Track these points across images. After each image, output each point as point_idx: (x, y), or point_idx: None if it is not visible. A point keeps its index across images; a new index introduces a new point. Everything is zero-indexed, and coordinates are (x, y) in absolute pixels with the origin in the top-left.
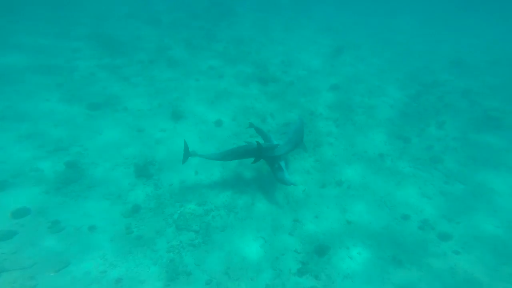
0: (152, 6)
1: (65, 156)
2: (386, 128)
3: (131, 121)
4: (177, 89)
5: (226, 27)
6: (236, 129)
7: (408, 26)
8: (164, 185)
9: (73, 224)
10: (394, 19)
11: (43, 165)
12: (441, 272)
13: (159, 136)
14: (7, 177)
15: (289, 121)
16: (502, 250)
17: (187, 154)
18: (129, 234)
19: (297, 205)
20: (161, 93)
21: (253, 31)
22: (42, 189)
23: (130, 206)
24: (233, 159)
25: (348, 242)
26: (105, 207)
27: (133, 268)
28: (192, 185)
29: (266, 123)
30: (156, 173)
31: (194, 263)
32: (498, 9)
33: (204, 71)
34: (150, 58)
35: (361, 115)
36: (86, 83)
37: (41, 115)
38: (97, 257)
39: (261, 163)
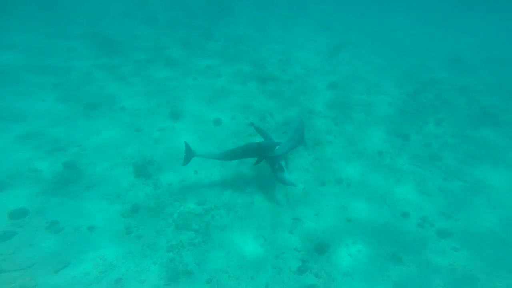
0: (149, 5)
1: (62, 156)
2: (384, 125)
3: (129, 120)
4: (175, 89)
5: (223, 26)
6: (235, 128)
7: (405, 24)
8: (163, 185)
9: (72, 225)
10: (392, 17)
11: (41, 166)
12: (440, 268)
13: (158, 136)
14: (4, 178)
15: (289, 120)
16: (500, 246)
17: (189, 155)
18: (128, 234)
19: (296, 203)
20: (159, 93)
21: (251, 30)
22: (40, 190)
23: (129, 206)
24: (234, 159)
25: (347, 239)
26: (104, 207)
27: (133, 268)
28: (192, 185)
29: (265, 122)
30: (155, 172)
31: (194, 262)
32: (493, 7)
33: (202, 70)
34: (147, 57)
35: (360, 113)
36: (83, 83)
37: (37, 115)
38: (97, 257)
39: (262, 162)
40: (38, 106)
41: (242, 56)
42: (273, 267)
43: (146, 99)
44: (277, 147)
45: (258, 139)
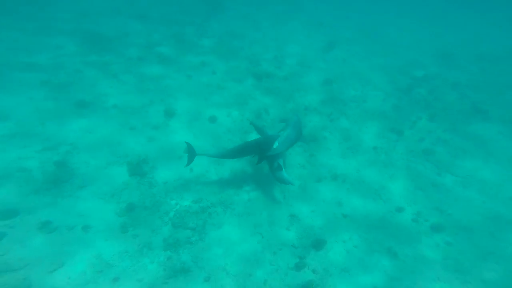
0: (139, 1)
1: (54, 155)
2: (379, 121)
3: (122, 118)
4: (169, 86)
5: (217, 22)
6: (231, 125)
7: (398, 21)
8: (158, 183)
9: (65, 224)
10: (385, 14)
11: (31, 165)
12: (434, 262)
13: (152, 134)
14: None
15: (285, 117)
16: (489, 240)
17: (192, 155)
18: (124, 233)
19: (293, 200)
20: (152, 90)
21: (245, 26)
22: (31, 190)
23: (124, 205)
24: (236, 157)
25: (344, 235)
26: (98, 207)
27: (130, 267)
28: (188, 183)
29: (261, 119)
30: (150, 171)
31: (192, 261)
32: (483, 4)
33: (196, 67)
34: (139, 54)
35: (354, 109)
36: (73, 81)
37: (25, 114)
38: (92, 257)
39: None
40: (25, 104)
41: (236, 53)
42: (271, 264)
43: (139, 97)
44: (277, 146)
45: (254, 136)
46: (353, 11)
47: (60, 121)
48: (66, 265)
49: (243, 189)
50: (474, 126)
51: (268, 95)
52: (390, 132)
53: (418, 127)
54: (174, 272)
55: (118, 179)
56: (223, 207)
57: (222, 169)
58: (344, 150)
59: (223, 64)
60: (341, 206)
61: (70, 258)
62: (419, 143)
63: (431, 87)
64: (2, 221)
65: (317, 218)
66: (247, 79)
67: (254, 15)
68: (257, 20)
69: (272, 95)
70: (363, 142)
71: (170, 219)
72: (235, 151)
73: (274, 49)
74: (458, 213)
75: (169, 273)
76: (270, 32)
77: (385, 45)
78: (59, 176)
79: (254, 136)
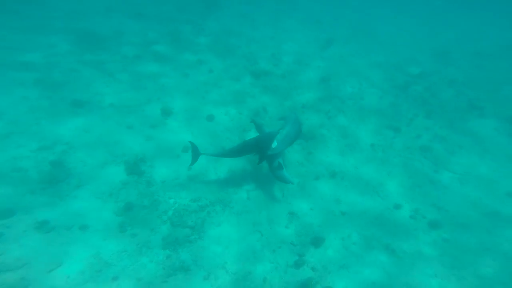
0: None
1: (49, 155)
2: (376, 118)
3: (119, 118)
4: (166, 85)
5: (213, 20)
6: (229, 123)
7: (394, 18)
8: (157, 182)
9: (63, 224)
10: (381, 11)
11: (26, 165)
12: (431, 259)
13: (149, 133)
14: None
15: (284, 115)
16: (485, 236)
17: (196, 155)
18: (123, 232)
19: (292, 198)
20: (149, 89)
21: (242, 25)
22: (27, 190)
23: (122, 205)
24: (238, 156)
25: (343, 233)
26: (96, 206)
27: (129, 266)
28: (186, 182)
29: (259, 117)
30: (148, 170)
31: (191, 259)
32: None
33: (193, 65)
34: (136, 53)
35: (352, 107)
36: (68, 80)
37: (19, 113)
38: (91, 257)
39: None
40: (19, 103)
41: (233, 51)
42: (271, 261)
43: (136, 96)
44: (278, 145)
45: (253, 134)
46: (350, 9)
47: (56, 120)
48: (65, 264)
49: (242, 188)
50: (470, 122)
51: (265, 93)
52: (387, 129)
53: (415, 124)
54: (173, 271)
55: (116, 178)
56: (222, 205)
57: (221, 168)
58: (342, 148)
59: (220, 62)
60: (339, 203)
61: (69, 257)
62: (416, 140)
63: (428, 84)
64: None
65: (316, 216)
66: (245, 77)
67: (251, 13)
68: (254, 18)
69: (270, 93)
70: (360, 139)
71: (168, 218)
72: (237, 150)
73: (271, 47)
74: (455, 210)
75: (168, 272)
76: (267, 30)
77: (382, 43)
78: (56, 175)
79: (252, 134)
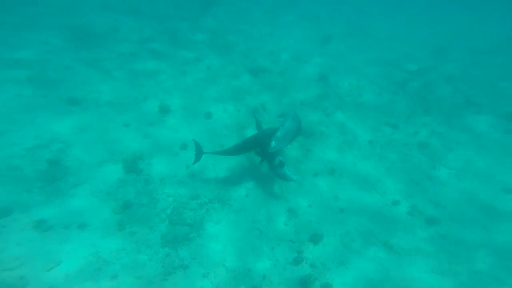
0: None
1: (46, 153)
2: (374, 115)
3: (116, 115)
4: (163, 82)
5: (211, 17)
6: (227, 121)
7: (393, 16)
8: (155, 180)
9: (61, 223)
10: (379, 8)
11: (22, 163)
12: (428, 255)
13: (147, 131)
14: None
15: (283, 113)
16: (481, 232)
17: (199, 153)
18: (121, 231)
19: (290, 195)
20: (146, 86)
21: (239, 21)
22: (23, 188)
23: (120, 203)
24: (240, 153)
25: (341, 229)
26: (94, 205)
27: (128, 265)
28: (184, 179)
29: (258, 114)
30: (146, 168)
31: (190, 257)
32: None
33: (191, 62)
34: (132, 50)
35: (350, 103)
36: (63, 78)
37: (12, 111)
38: (90, 255)
39: (261, 158)
40: (12, 101)
41: (231, 48)
42: (270, 259)
43: (133, 93)
44: (279, 142)
45: (251, 131)
46: (348, 5)
47: (51, 118)
48: (64, 263)
49: (240, 185)
50: (467, 119)
51: (264, 90)
52: (385, 125)
53: (413, 121)
54: (173, 269)
55: (113, 176)
56: (221, 203)
57: (220, 166)
58: (340, 144)
59: (218, 59)
60: (338, 200)
61: (67, 256)
62: (414, 136)
63: (425, 81)
64: None
65: (315, 213)
66: (243, 74)
67: (249, 9)
68: (251, 15)
69: (268, 90)
70: (358, 136)
71: (167, 216)
72: (238, 148)
73: (269, 43)
74: (452, 206)
75: (168, 270)
76: (265, 27)
77: (380, 40)
78: (52, 174)
79: (251, 131)
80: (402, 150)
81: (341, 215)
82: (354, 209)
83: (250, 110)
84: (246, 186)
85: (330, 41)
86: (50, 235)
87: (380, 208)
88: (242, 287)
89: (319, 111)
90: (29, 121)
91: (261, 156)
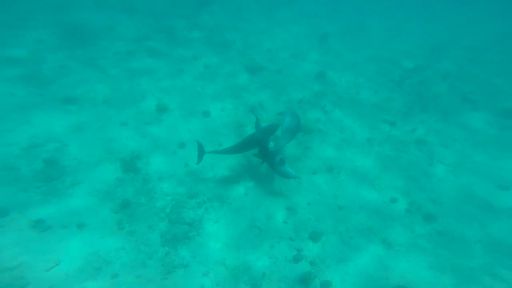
0: None
1: (42, 153)
2: (372, 112)
3: (112, 114)
4: (161, 81)
5: (208, 15)
6: (225, 119)
7: (390, 14)
8: (153, 179)
9: (59, 223)
10: (377, 7)
11: (18, 163)
12: (426, 252)
13: (145, 130)
14: None
15: (281, 110)
16: (478, 229)
17: (202, 153)
18: (120, 230)
19: (289, 193)
20: (143, 85)
21: (237, 19)
22: (20, 188)
23: (119, 202)
24: (241, 152)
25: (340, 227)
26: (92, 204)
27: (128, 264)
28: (183, 178)
29: (257, 113)
30: (144, 167)
31: (190, 256)
32: None
33: (188, 61)
34: (128, 49)
35: (348, 101)
36: (58, 76)
37: (6, 110)
38: (89, 255)
39: (260, 157)
40: (6, 100)
41: (229, 46)
42: (269, 257)
43: (130, 92)
44: (280, 140)
45: (250, 129)
46: (345, 3)
47: (47, 118)
48: (63, 263)
49: (239, 184)
50: (463, 116)
51: (262, 88)
52: (383, 123)
53: (410, 118)
54: (173, 268)
55: (111, 175)
56: (220, 202)
57: (218, 164)
58: (338, 142)
59: (215, 57)
60: (336, 198)
61: (67, 256)
62: (411, 133)
63: (422, 78)
64: None
65: (314, 210)
66: (241, 72)
67: (246, 7)
68: (248, 12)
69: (266, 88)
70: (356, 133)
71: (166, 215)
72: (239, 146)
73: (267, 41)
74: (449, 203)
75: (168, 269)
76: (262, 25)
77: (377, 37)
78: (49, 173)
79: (249, 129)
80: (399, 147)
81: (340, 212)
82: (352, 206)
83: (248, 108)
84: (245, 185)
85: (327, 38)
86: (49, 235)
87: (378, 206)
88: (242, 285)
89: (317, 108)
90: (25, 120)
91: (262, 156)
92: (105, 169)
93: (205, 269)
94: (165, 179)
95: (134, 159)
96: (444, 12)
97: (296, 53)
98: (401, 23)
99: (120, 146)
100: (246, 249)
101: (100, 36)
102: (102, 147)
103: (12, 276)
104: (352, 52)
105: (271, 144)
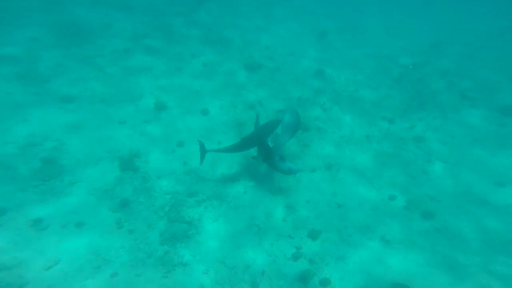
0: None
1: (40, 152)
2: (371, 110)
3: (111, 113)
4: (158, 79)
5: (205, 12)
6: (224, 117)
7: (389, 11)
8: (152, 178)
9: (58, 222)
10: (376, 4)
11: (15, 162)
12: (424, 249)
13: (143, 128)
14: None
15: (281, 108)
16: (475, 226)
17: (204, 152)
18: (120, 229)
19: (288, 191)
20: (141, 84)
21: (235, 16)
22: (18, 187)
23: (118, 201)
24: (242, 150)
25: (339, 225)
26: (91, 203)
27: (127, 262)
28: (182, 177)
29: (255, 110)
30: (142, 165)
31: (190, 254)
32: None
33: (186, 59)
34: (125, 47)
35: (347, 98)
36: (54, 75)
37: (3, 109)
38: (89, 254)
39: (261, 156)
40: (2, 99)
41: (227, 44)
42: (269, 254)
43: (127, 90)
44: (281, 137)
45: (249, 127)
46: (344, 1)
47: (44, 116)
48: (62, 262)
49: (238, 182)
50: (462, 113)
51: (260, 86)
52: (381, 120)
53: (409, 115)
54: (172, 266)
55: (110, 174)
56: (219, 200)
57: (217, 163)
58: (337, 140)
59: (213, 55)
60: (335, 195)
61: (66, 255)
62: (410, 130)
63: (420, 75)
64: None
65: (313, 208)
66: (239, 70)
67: (244, 4)
68: (246, 10)
69: (265, 86)
70: (355, 131)
71: (165, 213)
72: (240, 145)
73: (265, 39)
74: (446, 200)
75: (167, 267)
76: (261, 22)
77: (376, 34)
78: (47, 172)
79: (248, 127)
80: (398, 144)
81: (339, 210)
82: (351, 204)
83: (247, 106)
84: (244, 183)
85: (326, 36)
86: (47, 234)
87: (377, 203)
88: (241, 283)
89: (316, 106)
90: (21, 119)
91: (262, 155)
92: (104, 168)
93: (204, 268)
94: (164, 177)
95: (132, 157)
96: (442, 8)
97: (294, 51)
98: (400, 20)
99: (119, 145)
100: (246, 247)
101: (96, 34)
102: (101, 145)
103: (11, 275)
104: (351, 49)
105: (270, 144)
